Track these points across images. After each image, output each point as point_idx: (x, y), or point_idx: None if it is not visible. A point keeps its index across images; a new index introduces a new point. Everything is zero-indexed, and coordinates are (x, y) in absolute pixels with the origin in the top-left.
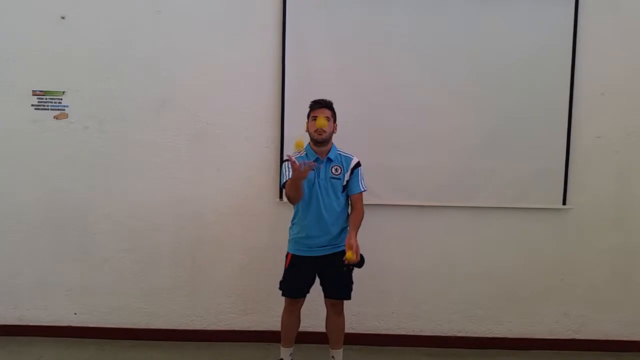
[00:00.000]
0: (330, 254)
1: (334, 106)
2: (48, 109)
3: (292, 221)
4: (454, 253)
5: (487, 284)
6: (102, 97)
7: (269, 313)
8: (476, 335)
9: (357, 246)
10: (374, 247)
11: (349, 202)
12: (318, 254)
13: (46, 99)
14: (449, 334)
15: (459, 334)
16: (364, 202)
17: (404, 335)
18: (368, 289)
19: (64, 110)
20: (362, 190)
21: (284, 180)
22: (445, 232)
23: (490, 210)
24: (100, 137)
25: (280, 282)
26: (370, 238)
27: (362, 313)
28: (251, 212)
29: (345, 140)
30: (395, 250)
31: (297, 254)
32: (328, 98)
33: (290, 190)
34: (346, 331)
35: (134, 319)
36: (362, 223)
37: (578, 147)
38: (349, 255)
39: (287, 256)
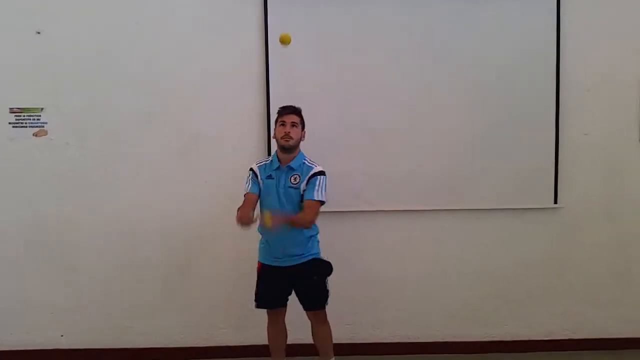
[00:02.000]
0: (298, 264)
1: (319, 114)
2: (26, 126)
3: (257, 228)
4: (446, 257)
5: (482, 286)
6: (82, 112)
7: (263, 327)
8: (473, 340)
9: (279, 219)
10: (366, 255)
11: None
12: (285, 264)
13: (24, 116)
14: (446, 340)
15: (456, 339)
16: (321, 211)
17: (400, 343)
18: (361, 297)
19: (43, 127)
20: (318, 199)
21: (245, 191)
22: (437, 236)
23: (481, 212)
24: (83, 153)
25: (255, 293)
26: (361, 245)
27: (356, 322)
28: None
29: (332, 146)
30: (388, 256)
31: (265, 262)
32: (314, 104)
33: (240, 219)
34: (341, 341)
35: (124, 339)
36: (352, 229)
37: (567, 145)
38: (266, 215)
39: (258, 265)
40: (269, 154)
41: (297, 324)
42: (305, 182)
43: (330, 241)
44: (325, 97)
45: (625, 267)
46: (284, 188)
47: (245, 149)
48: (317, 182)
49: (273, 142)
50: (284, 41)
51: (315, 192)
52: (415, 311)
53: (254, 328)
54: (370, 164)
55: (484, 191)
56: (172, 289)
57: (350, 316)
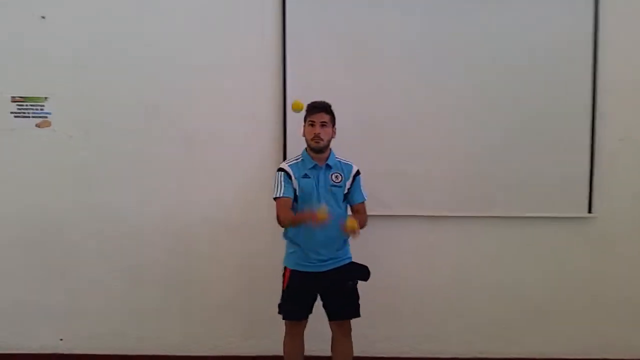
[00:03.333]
0: (333, 268)
1: (338, 109)
2: (29, 117)
3: (287, 233)
4: (471, 267)
5: (509, 301)
6: (87, 103)
7: (271, 337)
8: (497, 357)
9: (358, 227)
10: (384, 262)
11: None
12: (320, 270)
13: (27, 105)
14: (468, 356)
15: (479, 356)
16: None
17: (419, 358)
18: (378, 308)
19: (47, 117)
20: (365, 199)
21: (278, 194)
22: (461, 244)
23: (509, 220)
24: (86, 147)
25: (280, 304)
26: (380, 252)
27: (372, 335)
28: (249, 224)
29: (351, 146)
30: (408, 265)
31: (296, 269)
32: (332, 100)
33: (291, 223)
34: (355, 354)
35: (123, 344)
36: (370, 235)
37: (603, 150)
38: (351, 222)
39: (284, 272)
40: (285, 151)
41: (308, 333)
42: (350, 180)
43: None
44: (343, 92)
45: None
46: (324, 187)
47: (256, 145)
48: (360, 182)
49: (289, 139)
50: (297, 108)
51: (363, 192)
52: (436, 324)
53: (264, 337)
54: (390, 165)
55: (512, 198)
56: (174, 293)
57: (366, 328)
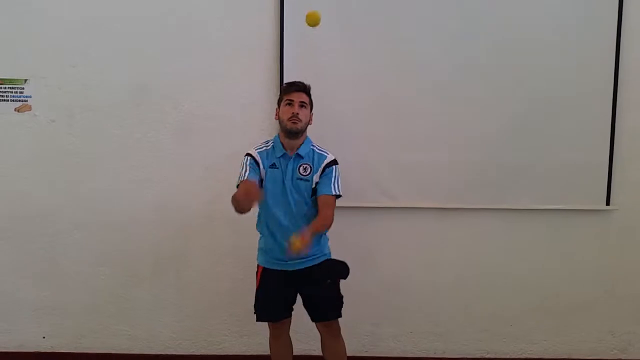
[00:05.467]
0: (307, 267)
1: (337, 92)
2: (8, 100)
3: (256, 226)
4: (481, 262)
5: (520, 297)
6: (71, 85)
7: (265, 335)
8: (508, 357)
9: (307, 240)
10: (389, 257)
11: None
12: (293, 268)
13: (5, 88)
14: (476, 356)
15: (488, 356)
16: (336, 207)
17: (425, 357)
18: (382, 305)
19: (27, 101)
20: (334, 193)
21: (241, 179)
22: (471, 238)
23: (522, 212)
24: (70, 133)
25: (254, 304)
26: (384, 246)
27: (376, 333)
28: (245, 217)
29: (352, 133)
30: (414, 259)
31: (267, 267)
32: (333, 82)
33: (237, 204)
34: (358, 354)
35: (112, 343)
36: (374, 228)
37: (623, 139)
38: (294, 241)
39: (257, 270)
40: None
41: (302, 333)
42: (318, 173)
43: (348, 241)
44: (346, 74)
45: None
46: (291, 180)
47: (252, 131)
48: (333, 174)
49: None
50: (312, 21)
51: (332, 186)
52: (443, 322)
53: (257, 335)
54: (396, 154)
55: (526, 189)
56: (166, 288)
57: (369, 326)
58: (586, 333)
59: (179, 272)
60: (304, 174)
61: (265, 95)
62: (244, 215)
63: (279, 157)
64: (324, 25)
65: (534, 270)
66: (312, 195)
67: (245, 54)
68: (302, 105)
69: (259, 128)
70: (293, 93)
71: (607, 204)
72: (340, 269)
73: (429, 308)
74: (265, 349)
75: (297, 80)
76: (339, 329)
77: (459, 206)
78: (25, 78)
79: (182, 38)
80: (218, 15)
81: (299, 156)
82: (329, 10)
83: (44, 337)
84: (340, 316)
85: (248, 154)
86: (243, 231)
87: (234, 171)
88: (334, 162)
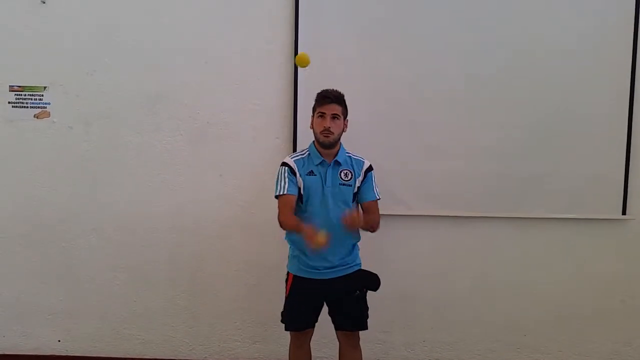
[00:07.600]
0: (341, 276)
1: (352, 100)
2: (27, 107)
3: (289, 234)
4: (495, 271)
5: (534, 307)
6: (89, 93)
7: (279, 341)
8: None
9: (357, 218)
10: (402, 265)
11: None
12: (326, 277)
13: (25, 95)
14: None
15: None
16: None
17: None
18: (395, 313)
19: (46, 108)
20: (378, 198)
21: (281, 192)
22: (485, 247)
23: (537, 221)
24: (87, 139)
25: (282, 312)
26: (397, 254)
27: (388, 341)
28: (259, 223)
29: (367, 141)
30: (427, 268)
31: (300, 275)
32: (347, 90)
33: (291, 229)
34: None
35: (126, 347)
36: (386, 236)
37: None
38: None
39: (287, 278)
40: (295, 143)
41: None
42: (360, 178)
43: (362, 248)
44: (361, 83)
45: None
46: (332, 186)
47: (266, 139)
48: (373, 179)
49: (299, 130)
50: (302, 63)
51: (375, 191)
52: (455, 332)
53: (271, 341)
54: (409, 161)
55: (541, 198)
56: (180, 294)
57: (381, 334)
58: (602, 344)
59: (193, 278)
60: (346, 179)
61: (280, 103)
62: (268, 220)
63: (317, 165)
64: (339, 33)
65: (549, 280)
66: (353, 200)
67: (261, 63)
68: (334, 117)
69: (273, 136)
70: (325, 105)
71: (623, 213)
72: (372, 281)
73: (441, 317)
74: (277, 356)
75: (315, 87)
76: (358, 339)
77: (474, 214)
78: (44, 85)
79: (198, 46)
80: (233, 24)
81: (337, 163)
82: (345, 19)
83: (59, 341)
84: (366, 328)
85: (284, 164)
86: (257, 237)
87: (248, 178)
88: (371, 167)
